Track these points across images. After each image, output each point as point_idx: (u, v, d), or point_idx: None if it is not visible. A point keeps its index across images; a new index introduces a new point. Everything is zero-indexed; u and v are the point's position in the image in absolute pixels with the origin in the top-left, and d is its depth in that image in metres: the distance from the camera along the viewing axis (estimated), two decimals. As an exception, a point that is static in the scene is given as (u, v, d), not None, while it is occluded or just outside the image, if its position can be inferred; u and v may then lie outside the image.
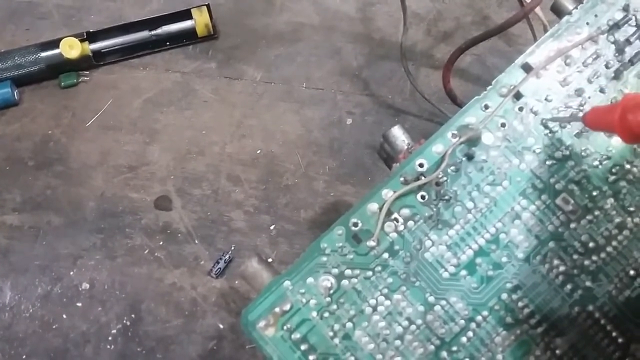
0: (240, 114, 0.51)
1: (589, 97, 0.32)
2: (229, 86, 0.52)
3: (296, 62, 0.53)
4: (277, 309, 0.32)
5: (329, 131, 0.50)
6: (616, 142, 0.32)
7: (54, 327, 0.43)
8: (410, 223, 0.32)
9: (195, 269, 0.44)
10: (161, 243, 0.45)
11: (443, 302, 0.31)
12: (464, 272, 0.32)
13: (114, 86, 0.53)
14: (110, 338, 0.43)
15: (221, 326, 0.43)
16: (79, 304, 0.44)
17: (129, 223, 0.46)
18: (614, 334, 0.31)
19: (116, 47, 0.52)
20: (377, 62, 0.53)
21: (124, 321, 0.43)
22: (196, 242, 0.46)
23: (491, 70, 0.52)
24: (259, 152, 0.49)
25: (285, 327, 0.31)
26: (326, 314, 0.31)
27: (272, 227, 0.46)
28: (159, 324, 0.43)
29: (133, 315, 0.43)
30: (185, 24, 0.53)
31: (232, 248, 0.45)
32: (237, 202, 0.47)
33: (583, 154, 0.32)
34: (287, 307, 0.32)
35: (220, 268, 0.43)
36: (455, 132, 0.32)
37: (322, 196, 0.47)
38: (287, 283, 0.32)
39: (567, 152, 0.32)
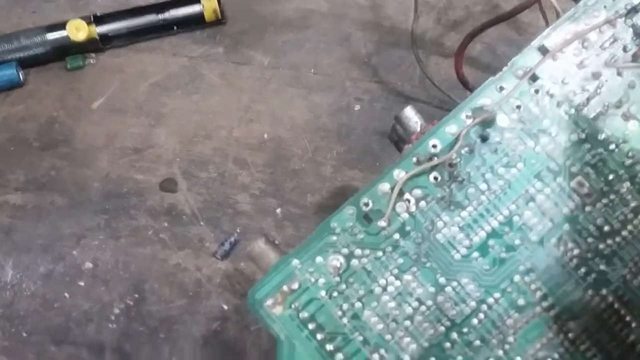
0: (247, 98, 0.50)
1: (606, 81, 0.32)
2: (236, 71, 0.52)
3: (304, 49, 0.52)
4: (285, 288, 0.31)
5: (337, 117, 0.49)
6: (633, 125, 0.31)
7: (55, 305, 0.43)
8: (422, 204, 0.31)
9: (200, 250, 0.44)
10: (166, 224, 0.45)
11: (454, 284, 0.31)
12: (476, 254, 0.31)
13: (121, 69, 0.52)
14: (112, 317, 0.42)
15: (225, 307, 0.42)
16: (82, 283, 0.43)
17: (133, 204, 0.46)
18: (627, 318, 0.30)
19: (123, 30, 0.52)
20: (386, 50, 0.52)
21: (127, 301, 0.43)
22: (201, 224, 0.45)
23: (501, 59, 0.51)
24: (266, 136, 0.48)
25: (293, 306, 0.31)
26: (335, 294, 0.31)
27: (278, 211, 0.46)
28: (163, 304, 0.43)
29: (136, 295, 0.43)
30: (193, 9, 0.52)
31: (238, 230, 0.45)
32: (243, 185, 0.46)
33: (599, 137, 0.31)
34: (295, 285, 0.31)
35: (225, 250, 0.43)
36: (470, 113, 0.32)
37: (330, 181, 0.47)
38: (295, 262, 0.31)
39: (583, 135, 0.31)
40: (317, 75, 0.51)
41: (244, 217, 0.45)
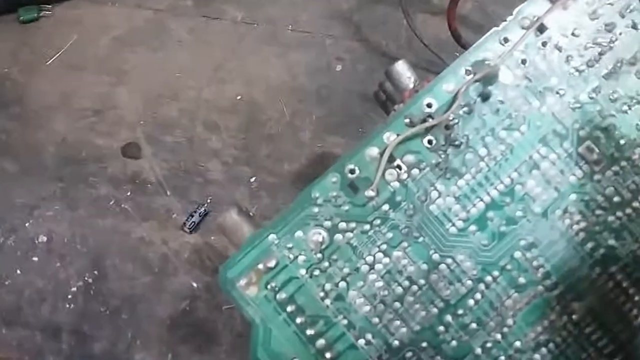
0: (219, 56, 0.46)
1: (620, 34, 0.28)
2: (207, 26, 0.48)
3: (282, 3, 0.48)
4: (260, 266, 0.28)
5: (317, 78, 0.46)
6: (648, 85, 0.28)
7: (6, 283, 0.39)
8: (415, 171, 0.28)
9: (167, 222, 0.40)
10: (129, 194, 0.41)
11: (449, 261, 0.28)
12: (473, 227, 0.28)
13: (79, 22, 0.48)
14: (69, 296, 0.39)
15: (195, 285, 0.39)
16: (35, 259, 0.40)
17: (93, 171, 0.42)
18: (636, 297, 0.28)
19: (82, -23, 0.47)
20: (370, 6, 0.48)
21: (86, 278, 0.39)
22: (168, 193, 0.41)
23: (492, 18, 0.48)
24: (239, 98, 0.45)
25: (269, 286, 0.28)
26: (316, 272, 0.28)
27: (252, 180, 0.42)
28: (125, 282, 0.39)
29: (96, 272, 0.39)
30: (160, -46, 0.47)
31: (208, 201, 0.41)
32: (214, 152, 0.43)
33: (611, 97, 0.28)
34: (271, 263, 0.28)
35: (194, 222, 0.39)
36: (470, 68, 0.28)
37: (308, 147, 0.43)
38: (272, 236, 0.28)
39: (594, 95, 0.28)
40: (295, 32, 0.47)
41: (214, 186, 0.42)
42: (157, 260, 0.39)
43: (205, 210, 0.40)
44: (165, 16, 0.48)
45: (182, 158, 0.42)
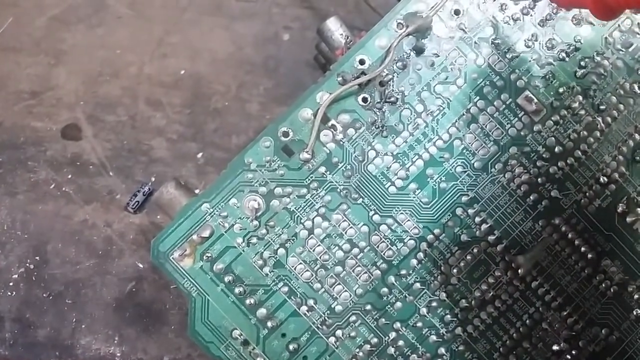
0: (160, 30, 0.44)
1: (555, -21, 0.28)
2: (147, 0, 0.45)
3: (225, -28, 0.46)
4: (194, 236, 0.27)
5: (264, 48, 0.44)
6: (585, 31, 0.28)
7: (-58, 274, 0.37)
8: (351, 131, 0.27)
9: (110, 203, 0.39)
10: (70, 176, 0.39)
11: (390, 221, 0.27)
12: (413, 186, 0.27)
13: (15, 3, 0.46)
14: (11, 284, 0.37)
15: (141, 266, 0.38)
16: (-27, 247, 0.38)
17: (31, 155, 0.40)
18: (582, 249, 0.27)
19: (14, -44, 0.45)
20: (316, -28, 0.47)
21: (27, 264, 0.38)
22: (110, 174, 0.40)
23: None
24: (182, 72, 0.43)
25: (205, 257, 0.27)
26: (254, 240, 0.27)
27: (199, 155, 0.41)
28: (68, 266, 0.37)
29: (37, 258, 0.38)
30: None
31: (152, 179, 0.39)
32: (158, 129, 0.41)
33: (548, 44, 0.27)
34: (206, 233, 0.27)
35: (138, 201, 0.38)
36: (402, 21, 0.27)
37: (257, 119, 0.42)
38: (205, 206, 0.27)
39: (530, 43, 0.27)
40: (239, 2, 0.45)
41: (159, 165, 0.40)
42: (101, 243, 0.38)
43: (149, 189, 0.38)
44: (103, -8, 0.46)
45: (124, 137, 0.41)
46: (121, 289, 0.37)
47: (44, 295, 0.37)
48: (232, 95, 0.43)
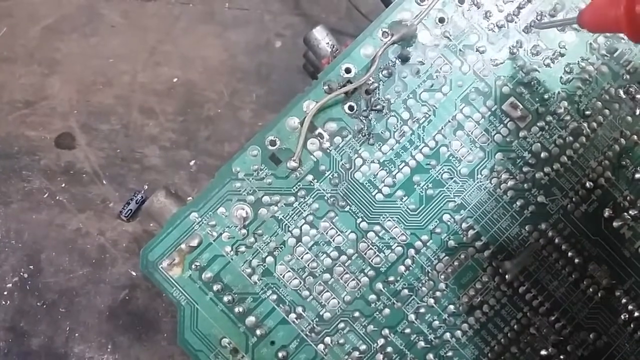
0: (153, 39, 0.45)
1: (540, -13, 0.28)
2: (140, 8, 0.46)
3: (217, -20, 0.47)
4: (183, 246, 0.27)
5: (256, 55, 0.44)
6: (570, 37, 0.28)
7: (-63, 283, 0.38)
8: (338, 139, 0.27)
9: (103, 212, 0.39)
10: (63, 185, 0.40)
11: (377, 228, 0.27)
12: (400, 193, 0.27)
13: (9, 14, 0.46)
14: (5, 293, 0.38)
15: (134, 274, 0.38)
16: (-33, 257, 0.38)
17: (25, 164, 0.40)
18: (569, 254, 0.27)
19: (8, -33, 0.45)
20: (308, -21, 0.47)
21: (21, 273, 0.38)
22: (104, 182, 0.40)
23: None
24: (175, 80, 0.43)
25: (193, 266, 0.27)
26: (242, 248, 0.27)
27: (192, 163, 0.41)
28: (62, 275, 0.38)
29: (31, 267, 0.38)
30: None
31: (146, 187, 0.40)
32: (151, 137, 0.41)
33: (533, 51, 0.28)
34: (195, 242, 0.27)
35: (131, 210, 0.38)
36: (387, 29, 0.27)
37: (249, 126, 0.42)
38: (193, 215, 0.27)
39: (515, 50, 0.28)
40: (232, 9, 0.46)
41: (152, 173, 0.40)
42: (94, 252, 0.38)
43: (142, 197, 0.39)
44: (96, 1, 0.46)
45: (118, 146, 0.41)
46: (114, 297, 0.37)
47: (38, 304, 0.37)
48: (224, 102, 0.43)
